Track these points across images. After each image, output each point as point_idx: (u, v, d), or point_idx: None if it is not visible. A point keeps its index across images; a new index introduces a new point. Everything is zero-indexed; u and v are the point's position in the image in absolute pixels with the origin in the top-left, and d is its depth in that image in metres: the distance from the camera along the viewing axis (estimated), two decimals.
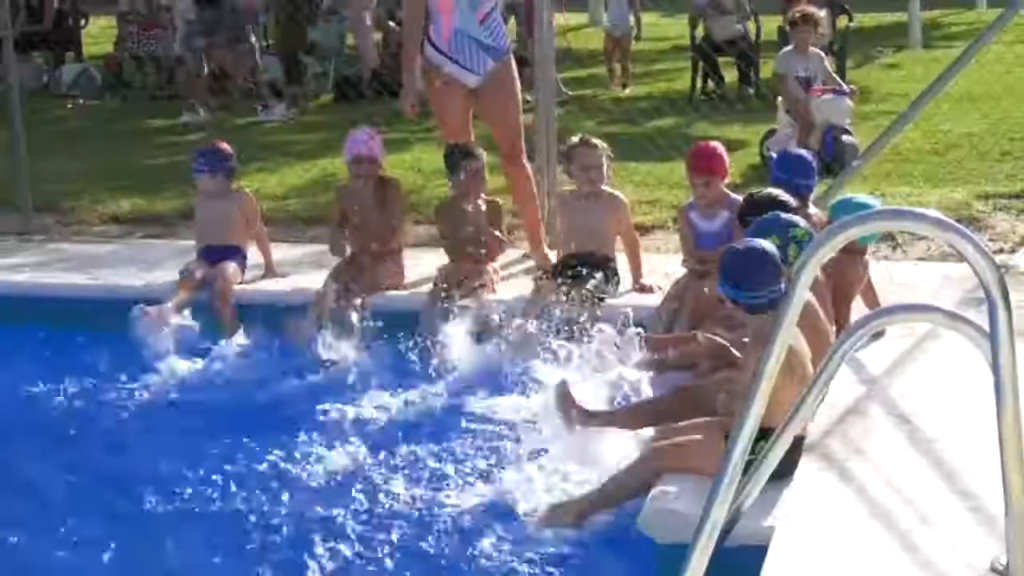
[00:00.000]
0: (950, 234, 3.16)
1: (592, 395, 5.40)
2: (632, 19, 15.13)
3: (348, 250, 6.98)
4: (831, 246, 3.28)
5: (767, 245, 4.45)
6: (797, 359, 4.21)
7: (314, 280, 6.94)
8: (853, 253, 5.63)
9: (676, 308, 6.17)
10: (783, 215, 4.91)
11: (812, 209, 6.03)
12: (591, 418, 5.07)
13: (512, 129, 7.17)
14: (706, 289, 5.83)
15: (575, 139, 6.72)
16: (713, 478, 3.33)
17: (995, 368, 3.16)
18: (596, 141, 6.67)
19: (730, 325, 5.26)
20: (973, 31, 14.72)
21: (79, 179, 10.40)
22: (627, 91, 14.50)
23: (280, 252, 7.55)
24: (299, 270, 7.38)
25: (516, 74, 7.20)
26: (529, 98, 8.07)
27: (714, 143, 6.49)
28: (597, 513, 4.56)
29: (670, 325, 6.09)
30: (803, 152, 6.50)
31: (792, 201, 5.49)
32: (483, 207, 6.83)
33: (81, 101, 15.29)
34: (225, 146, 7.34)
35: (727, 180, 6.45)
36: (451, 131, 7.17)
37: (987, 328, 3.17)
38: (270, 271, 7.29)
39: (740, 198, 6.35)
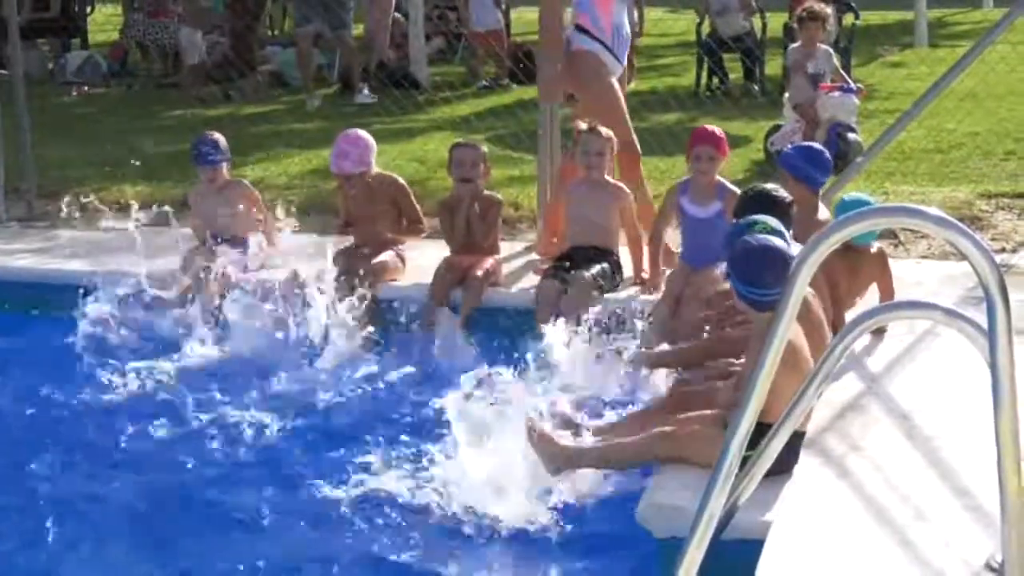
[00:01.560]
0: (951, 232, 3.16)
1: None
2: (636, 14, 15.13)
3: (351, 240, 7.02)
4: (832, 242, 3.28)
5: (782, 244, 4.43)
6: (796, 354, 4.22)
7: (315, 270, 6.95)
8: (850, 250, 5.62)
9: (674, 307, 6.16)
10: (751, 217, 4.80)
11: (823, 213, 5.97)
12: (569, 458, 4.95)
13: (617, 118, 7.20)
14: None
15: (583, 125, 6.75)
16: (711, 471, 3.35)
17: (993, 366, 3.16)
18: (602, 129, 6.69)
19: (735, 321, 5.29)
20: (979, 30, 14.70)
21: (83, 166, 10.41)
22: (631, 85, 14.50)
23: (283, 241, 7.55)
24: (301, 259, 7.38)
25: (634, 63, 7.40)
26: None
27: (711, 127, 6.53)
28: (585, 467, 4.69)
29: (663, 326, 6.09)
30: (818, 146, 6.52)
31: (788, 196, 5.48)
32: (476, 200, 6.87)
33: (86, 88, 15.29)
34: (220, 135, 7.38)
35: (724, 163, 6.49)
36: (625, 117, 7.12)
37: (986, 326, 3.18)
38: (272, 260, 7.30)
39: (734, 188, 6.37)
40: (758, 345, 4.03)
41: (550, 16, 7.17)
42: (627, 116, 7.15)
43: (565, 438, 4.86)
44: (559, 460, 4.71)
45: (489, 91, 14.53)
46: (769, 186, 5.60)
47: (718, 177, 6.41)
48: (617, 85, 7.20)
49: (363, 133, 7.18)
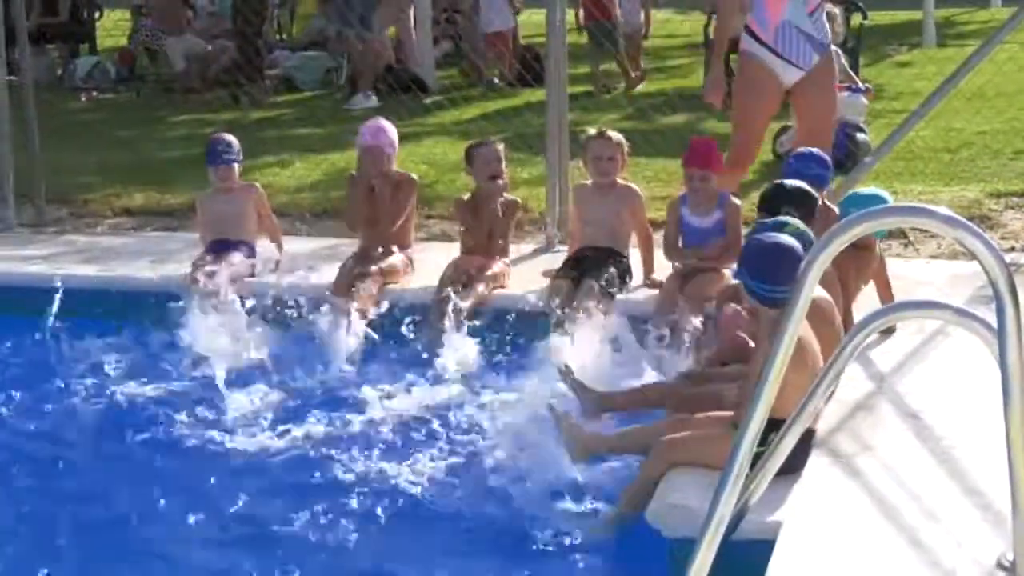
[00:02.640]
0: (959, 231, 3.16)
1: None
2: (643, 16, 15.15)
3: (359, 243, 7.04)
4: (842, 241, 3.28)
5: (793, 242, 4.46)
6: (807, 351, 4.23)
7: (324, 274, 6.95)
8: (859, 248, 5.63)
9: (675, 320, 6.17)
10: (780, 219, 4.85)
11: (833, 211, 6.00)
12: (605, 400, 5.17)
13: (824, 132, 6.72)
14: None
15: (592, 130, 6.74)
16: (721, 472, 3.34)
17: (1003, 365, 3.16)
18: (612, 134, 6.69)
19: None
20: (987, 29, 14.68)
21: (92, 171, 10.44)
22: (640, 87, 14.50)
23: (291, 246, 7.57)
24: (311, 263, 7.39)
25: (835, 71, 6.90)
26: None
27: (710, 138, 6.49)
28: (633, 514, 4.56)
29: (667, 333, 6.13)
30: (815, 150, 6.52)
31: (812, 192, 5.53)
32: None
33: (95, 94, 15.34)
34: (232, 137, 7.39)
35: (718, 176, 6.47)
36: (750, 132, 6.69)
37: (996, 325, 3.18)
38: (281, 264, 7.30)
39: (734, 198, 6.40)
40: (766, 342, 4.05)
41: (724, 13, 6.88)
42: (755, 135, 6.70)
43: (588, 426, 4.94)
44: (583, 448, 4.76)
45: (497, 93, 14.54)
46: (793, 181, 5.64)
47: (716, 187, 6.43)
48: (781, 93, 6.67)
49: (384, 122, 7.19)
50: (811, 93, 6.68)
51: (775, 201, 5.44)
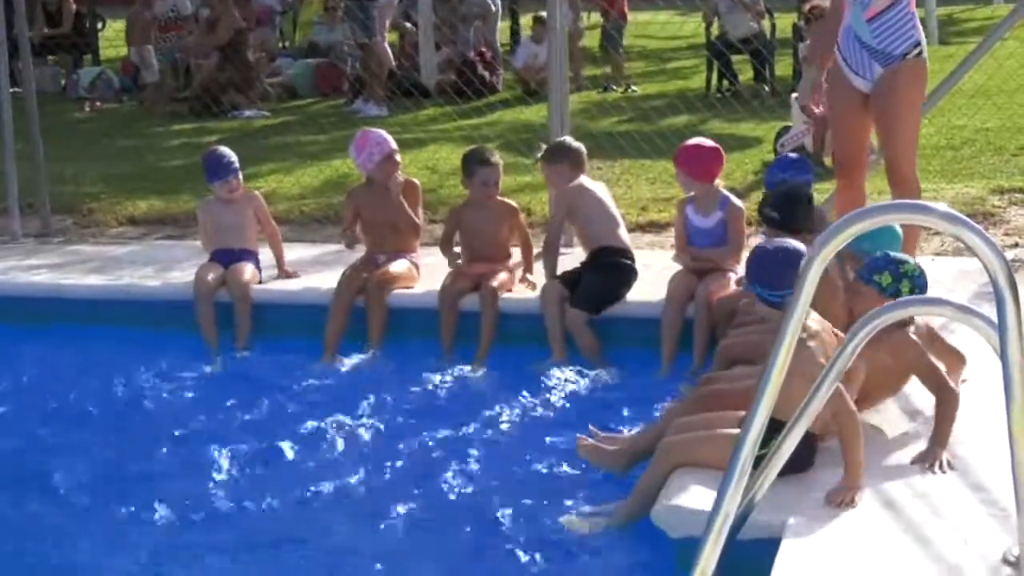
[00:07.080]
0: (958, 227, 3.15)
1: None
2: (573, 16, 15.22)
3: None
4: (838, 241, 3.27)
5: (794, 243, 4.54)
6: (806, 352, 4.24)
7: (327, 280, 6.96)
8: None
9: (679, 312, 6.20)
10: (891, 253, 4.84)
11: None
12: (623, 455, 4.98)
13: (894, 148, 6.01)
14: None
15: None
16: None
17: (1004, 360, 3.16)
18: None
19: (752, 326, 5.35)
20: (989, 26, 14.68)
21: (97, 181, 10.46)
22: (637, 89, 14.46)
23: (295, 252, 7.58)
24: (313, 270, 7.40)
25: (915, 86, 5.97)
26: None
27: (704, 144, 6.48)
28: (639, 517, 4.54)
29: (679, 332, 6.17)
30: (793, 155, 6.64)
31: (811, 192, 5.58)
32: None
33: (98, 104, 15.38)
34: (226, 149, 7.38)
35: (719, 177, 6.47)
36: (837, 136, 6.25)
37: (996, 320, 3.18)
38: (282, 271, 7.28)
39: (736, 200, 6.42)
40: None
41: (831, 13, 6.27)
42: (843, 143, 6.17)
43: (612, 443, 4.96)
44: (613, 465, 4.84)
45: (496, 98, 14.56)
46: (791, 185, 5.71)
47: (721, 189, 6.44)
48: (861, 99, 6.00)
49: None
50: (878, 107, 5.98)
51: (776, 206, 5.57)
